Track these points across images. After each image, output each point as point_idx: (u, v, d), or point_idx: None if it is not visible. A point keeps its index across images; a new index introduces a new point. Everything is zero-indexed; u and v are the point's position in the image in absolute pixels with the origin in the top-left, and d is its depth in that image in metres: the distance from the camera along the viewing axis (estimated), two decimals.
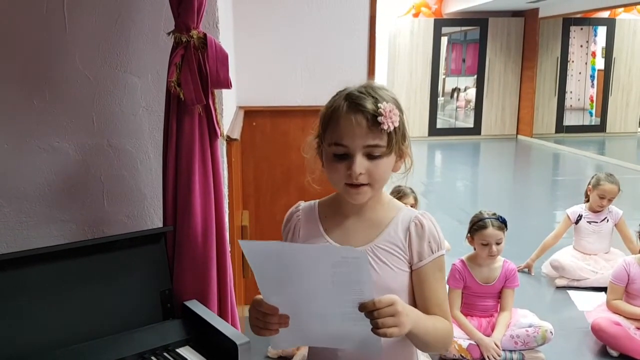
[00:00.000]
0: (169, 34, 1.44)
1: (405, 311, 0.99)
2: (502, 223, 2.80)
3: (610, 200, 3.63)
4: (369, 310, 0.96)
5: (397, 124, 1.08)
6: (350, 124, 1.08)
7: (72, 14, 1.57)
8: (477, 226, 2.80)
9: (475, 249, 2.84)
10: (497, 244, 2.75)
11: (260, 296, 1.05)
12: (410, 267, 1.15)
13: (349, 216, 1.19)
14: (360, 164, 1.08)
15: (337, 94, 1.15)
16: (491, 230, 2.75)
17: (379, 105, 1.07)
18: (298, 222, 1.24)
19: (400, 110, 1.12)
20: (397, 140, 1.10)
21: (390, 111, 1.07)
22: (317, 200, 1.26)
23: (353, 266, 0.94)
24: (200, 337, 1.40)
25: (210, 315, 1.41)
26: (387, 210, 1.19)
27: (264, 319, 1.03)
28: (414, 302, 1.16)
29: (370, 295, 0.96)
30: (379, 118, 1.07)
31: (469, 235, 2.86)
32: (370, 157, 1.09)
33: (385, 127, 1.07)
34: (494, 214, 2.83)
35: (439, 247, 1.15)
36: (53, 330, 1.30)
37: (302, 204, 1.27)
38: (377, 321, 0.96)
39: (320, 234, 1.20)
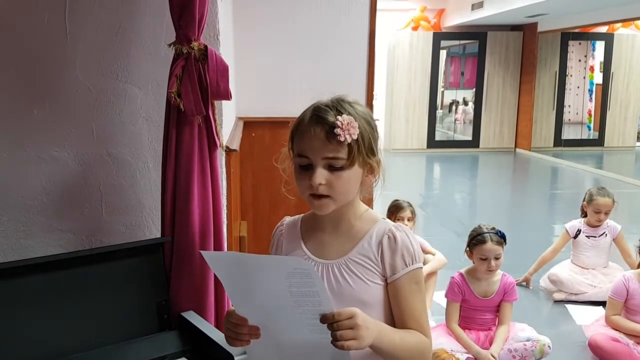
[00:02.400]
0: (169, 45, 1.44)
1: (365, 325, 0.98)
2: (501, 238, 2.79)
3: (607, 214, 3.63)
4: (329, 322, 0.97)
5: (355, 137, 1.09)
6: (310, 136, 1.10)
7: (73, 25, 1.57)
8: (476, 240, 2.79)
9: (473, 263, 2.84)
10: (496, 258, 2.75)
11: (233, 307, 1.07)
12: (385, 281, 1.15)
13: (325, 229, 1.20)
14: (320, 174, 1.10)
15: (309, 107, 1.16)
16: (490, 245, 2.74)
17: (338, 117, 1.09)
18: (281, 236, 1.27)
19: (369, 124, 1.14)
20: (360, 153, 1.11)
21: (348, 124, 1.08)
22: (302, 215, 1.28)
23: (305, 277, 0.95)
24: (197, 348, 1.39)
25: (207, 327, 1.40)
26: (364, 223, 1.19)
27: (235, 330, 1.06)
28: (391, 316, 1.16)
29: (329, 306, 0.97)
30: (335, 130, 1.08)
31: (467, 249, 2.86)
32: (331, 168, 1.10)
33: (342, 139, 1.08)
34: (493, 229, 2.82)
35: (414, 260, 1.15)
36: (49, 340, 1.29)
37: (287, 219, 1.29)
38: (335, 333, 0.96)
39: (299, 247, 1.22)
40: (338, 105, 1.12)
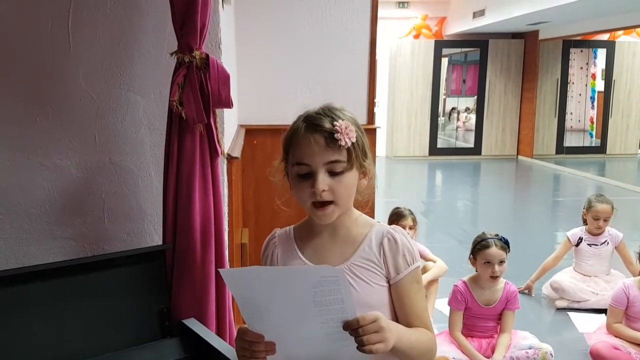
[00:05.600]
0: (171, 54, 1.46)
1: (388, 326, 1.00)
2: (505, 244, 2.80)
3: (606, 221, 3.63)
4: (353, 328, 0.97)
5: (354, 140, 1.12)
6: (309, 143, 1.12)
7: (76, 34, 1.59)
8: (480, 245, 2.79)
9: (477, 270, 2.83)
10: (500, 263, 2.75)
11: (245, 325, 1.05)
12: (388, 282, 1.17)
13: (322, 236, 1.21)
14: (323, 180, 1.11)
15: (297, 118, 1.19)
16: (494, 250, 2.74)
17: (335, 123, 1.11)
18: (275, 248, 1.26)
19: (359, 128, 1.16)
20: (357, 155, 1.14)
21: (346, 127, 1.11)
22: (292, 225, 1.28)
23: (332, 285, 0.95)
24: (198, 356, 1.39)
25: (208, 334, 1.41)
26: (360, 227, 1.21)
27: (251, 348, 1.03)
28: (395, 316, 1.17)
29: (352, 312, 0.97)
30: (336, 135, 1.10)
31: (471, 256, 2.86)
32: (332, 173, 1.12)
33: (343, 142, 1.10)
34: (497, 235, 2.83)
35: (414, 260, 1.18)
36: (51, 347, 1.30)
37: (278, 231, 1.30)
38: (362, 338, 0.96)
39: (296, 257, 1.22)
40: (329, 112, 1.15)
